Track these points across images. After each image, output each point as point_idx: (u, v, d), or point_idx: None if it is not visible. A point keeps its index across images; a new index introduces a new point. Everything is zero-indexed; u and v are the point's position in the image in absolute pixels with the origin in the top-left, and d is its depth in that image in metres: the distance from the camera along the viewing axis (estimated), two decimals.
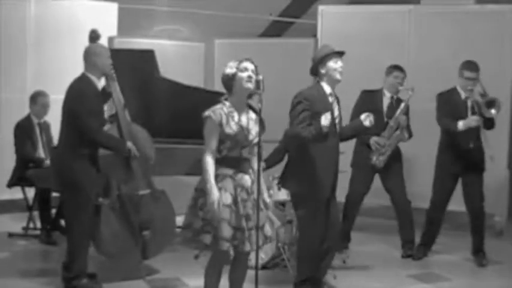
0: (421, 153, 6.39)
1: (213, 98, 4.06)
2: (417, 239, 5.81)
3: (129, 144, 4.70)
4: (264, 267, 5.05)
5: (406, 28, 7.13)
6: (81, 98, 4.46)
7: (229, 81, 3.81)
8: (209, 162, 3.69)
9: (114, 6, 7.53)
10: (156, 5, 8.11)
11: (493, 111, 5.34)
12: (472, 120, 5.38)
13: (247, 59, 3.84)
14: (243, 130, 3.77)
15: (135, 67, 5.42)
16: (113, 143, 4.65)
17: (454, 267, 5.48)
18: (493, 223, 6.72)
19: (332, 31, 7.36)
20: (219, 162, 3.75)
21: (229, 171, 3.75)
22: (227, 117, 3.74)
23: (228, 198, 3.68)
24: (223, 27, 8.27)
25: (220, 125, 3.72)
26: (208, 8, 8.08)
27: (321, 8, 7.52)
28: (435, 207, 5.66)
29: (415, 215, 5.82)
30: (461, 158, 5.48)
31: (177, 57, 7.28)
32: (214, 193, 3.63)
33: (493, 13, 6.87)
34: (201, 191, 3.72)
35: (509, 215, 7.17)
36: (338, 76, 4.38)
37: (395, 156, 5.77)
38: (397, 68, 5.80)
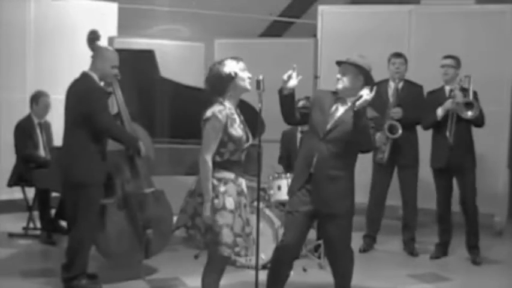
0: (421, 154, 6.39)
1: (213, 98, 4.04)
2: (419, 239, 5.82)
3: (140, 142, 4.73)
4: (264, 267, 5.04)
5: (406, 28, 7.13)
6: (92, 95, 4.45)
7: (227, 81, 3.61)
8: (210, 167, 3.56)
9: (114, 6, 7.53)
10: (156, 5, 8.12)
11: (469, 113, 5.29)
12: (448, 103, 5.37)
13: (239, 59, 3.70)
14: (246, 133, 3.69)
15: (135, 67, 5.41)
16: (127, 138, 4.67)
17: (453, 267, 5.48)
18: (493, 223, 6.72)
19: (332, 31, 7.36)
20: (222, 166, 3.61)
21: (231, 176, 3.64)
22: (230, 119, 3.60)
23: (232, 204, 3.58)
24: (223, 27, 8.28)
25: (225, 127, 3.58)
26: (208, 8, 8.09)
27: (321, 8, 7.52)
28: (439, 204, 5.66)
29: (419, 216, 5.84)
30: (446, 155, 5.46)
31: (177, 57, 7.27)
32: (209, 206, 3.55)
33: (493, 13, 6.86)
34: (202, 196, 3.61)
35: (509, 215, 7.17)
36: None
37: (412, 154, 5.74)
38: (393, 54, 5.77)
